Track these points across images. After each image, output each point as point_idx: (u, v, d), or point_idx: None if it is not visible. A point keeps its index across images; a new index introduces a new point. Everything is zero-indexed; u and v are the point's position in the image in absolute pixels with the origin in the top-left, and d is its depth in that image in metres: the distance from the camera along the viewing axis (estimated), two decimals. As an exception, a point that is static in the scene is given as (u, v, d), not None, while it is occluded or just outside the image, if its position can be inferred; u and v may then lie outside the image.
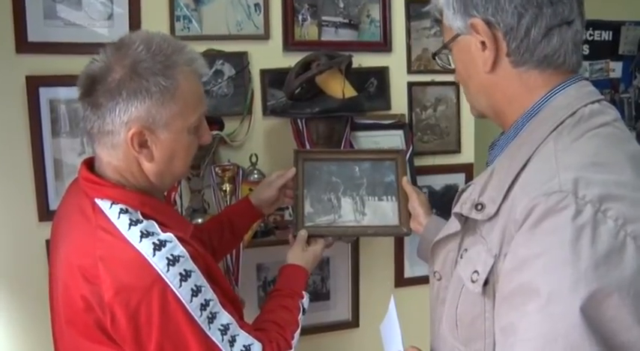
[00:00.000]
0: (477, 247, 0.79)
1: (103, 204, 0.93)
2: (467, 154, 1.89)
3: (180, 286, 0.89)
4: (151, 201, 0.97)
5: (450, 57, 0.91)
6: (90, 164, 1.00)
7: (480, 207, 0.79)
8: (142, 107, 0.91)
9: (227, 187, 1.55)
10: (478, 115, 0.93)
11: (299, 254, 1.29)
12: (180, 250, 0.91)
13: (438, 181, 1.86)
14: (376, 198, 1.40)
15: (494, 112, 0.88)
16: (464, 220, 0.84)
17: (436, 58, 0.93)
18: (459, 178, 1.87)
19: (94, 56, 0.95)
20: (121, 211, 0.92)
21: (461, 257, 0.84)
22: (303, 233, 1.33)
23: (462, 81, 0.90)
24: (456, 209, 0.85)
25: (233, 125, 1.64)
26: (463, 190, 0.90)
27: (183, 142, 0.97)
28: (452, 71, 0.93)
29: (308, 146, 1.54)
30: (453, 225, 0.86)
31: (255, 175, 1.59)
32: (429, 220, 1.29)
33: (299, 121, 1.55)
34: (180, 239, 0.92)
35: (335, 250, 1.65)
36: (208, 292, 0.93)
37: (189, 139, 0.98)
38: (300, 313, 1.18)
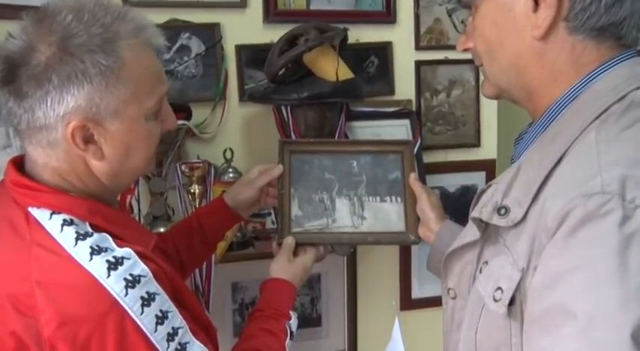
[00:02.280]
0: (500, 259, 0.80)
1: (41, 214, 0.91)
2: (488, 149, 1.89)
3: (142, 312, 0.87)
4: (101, 209, 0.95)
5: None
6: (20, 164, 0.97)
7: (503, 211, 0.79)
8: (81, 95, 0.87)
9: (196, 188, 1.55)
10: (494, 95, 0.93)
11: (285, 266, 1.29)
12: (140, 268, 0.89)
13: (453, 181, 1.86)
14: (378, 199, 1.39)
15: (525, 93, 0.88)
16: (484, 226, 0.84)
17: (452, 17, 0.92)
18: (478, 178, 1.87)
19: (9, 32, 0.90)
20: (65, 223, 0.90)
21: (480, 271, 0.84)
22: (289, 241, 1.33)
23: (488, 50, 0.89)
24: (474, 214, 0.85)
25: (203, 113, 1.63)
26: (483, 191, 0.89)
27: (141, 132, 0.95)
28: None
29: (294, 138, 1.53)
30: (471, 232, 0.86)
31: (231, 175, 1.59)
32: (441, 226, 1.29)
33: (283, 108, 1.55)
34: (140, 255, 0.91)
35: (327, 263, 1.62)
36: (176, 319, 0.92)
37: (148, 127, 0.96)
38: (288, 338, 1.18)
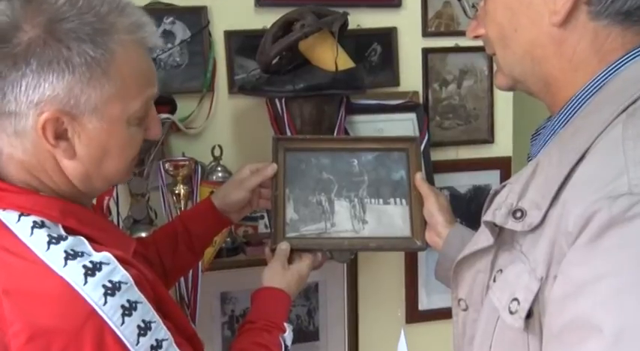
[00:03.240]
0: (516, 267, 0.80)
1: (7, 216, 0.91)
2: (503, 145, 1.88)
3: (123, 322, 0.87)
4: (76, 210, 0.96)
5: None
6: None
7: (519, 214, 0.79)
8: (60, 84, 0.87)
9: (181, 189, 1.55)
10: (508, 87, 0.93)
11: (279, 274, 1.29)
12: (121, 274, 0.89)
13: (464, 181, 1.85)
14: (381, 201, 1.40)
15: (543, 85, 0.88)
16: (497, 231, 0.84)
17: (462, 0, 0.92)
18: (491, 177, 1.86)
19: None
20: (35, 225, 0.90)
21: (494, 280, 0.84)
22: (284, 246, 1.33)
23: (501, 37, 0.89)
24: (486, 217, 0.85)
25: (188, 107, 1.63)
26: (497, 192, 0.89)
27: (121, 136, 0.95)
28: None
29: (289, 134, 1.54)
30: (483, 237, 0.86)
31: (219, 174, 1.59)
32: (451, 230, 1.29)
33: (277, 101, 1.54)
34: (120, 260, 0.91)
35: (325, 271, 1.64)
36: (160, 330, 0.92)
37: (129, 133, 0.96)
38: None
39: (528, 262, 0.78)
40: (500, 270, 0.83)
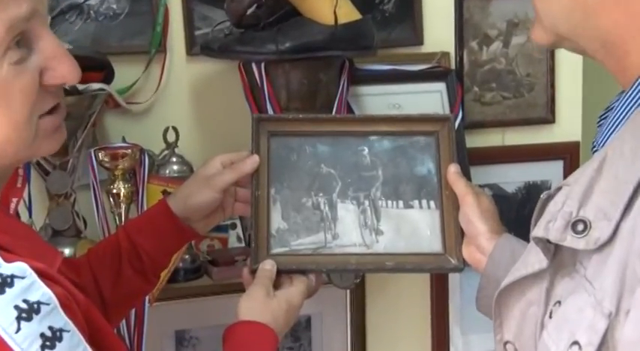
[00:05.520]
0: (579, 299, 0.80)
1: None
2: (568, 126, 1.91)
3: None
4: None
5: None
6: None
7: (581, 227, 0.80)
8: None
9: (121, 188, 1.55)
10: (549, 43, 0.94)
11: (261, 303, 1.27)
12: (41, 292, 0.89)
13: (513, 177, 1.87)
14: (401, 203, 1.39)
15: (600, 46, 0.88)
16: (553, 249, 0.84)
17: None
18: (551, 171, 1.88)
19: None
20: None
21: (550, 316, 0.84)
22: (268, 267, 1.32)
23: None
24: (537, 231, 0.85)
25: (131, 73, 1.64)
26: (549, 198, 0.89)
27: None
28: None
29: (271, 112, 1.54)
30: (534, 258, 0.87)
31: (175, 167, 1.62)
32: (497, 243, 1.28)
33: (254, 66, 1.54)
34: (41, 274, 0.90)
35: (322, 301, 1.63)
36: None
37: (6, 74, 0.94)
38: None
39: (594, 292, 0.77)
40: (559, 302, 0.83)
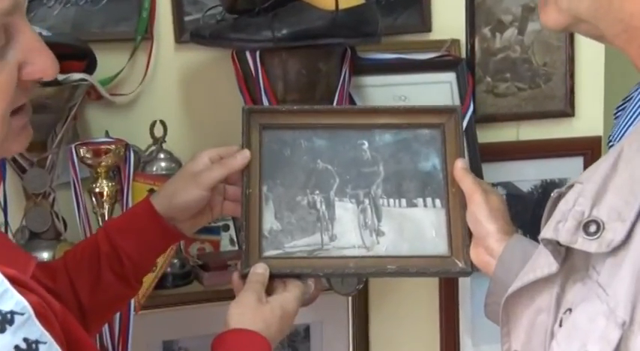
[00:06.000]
0: (590, 306, 0.80)
1: None
2: (589, 120, 1.94)
3: None
4: None
5: None
6: None
7: (594, 228, 0.80)
8: None
9: (104, 186, 1.59)
10: (562, 27, 0.92)
11: (253, 310, 1.29)
12: (14, 301, 0.90)
13: (529, 174, 1.91)
14: (404, 202, 1.41)
15: (621, 30, 0.87)
16: (564, 252, 0.85)
17: None
18: (570, 168, 1.91)
19: None
20: None
21: (560, 325, 0.85)
22: (260, 270, 1.34)
23: None
24: (546, 233, 0.86)
25: (115, 63, 1.68)
26: (560, 196, 0.89)
27: None
28: None
29: (267, 103, 1.55)
30: (543, 261, 0.88)
31: (162, 163, 1.66)
32: (507, 244, 1.29)
33: (249, 55, 1.58)
34: (14, 282, 0.91)
35: (321, 308, 1.62)
36: None
37: None
38: None
39: (607, 299, 0.78)
40: (569, 309, 0.84)
